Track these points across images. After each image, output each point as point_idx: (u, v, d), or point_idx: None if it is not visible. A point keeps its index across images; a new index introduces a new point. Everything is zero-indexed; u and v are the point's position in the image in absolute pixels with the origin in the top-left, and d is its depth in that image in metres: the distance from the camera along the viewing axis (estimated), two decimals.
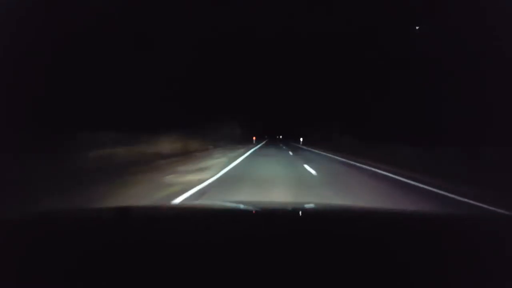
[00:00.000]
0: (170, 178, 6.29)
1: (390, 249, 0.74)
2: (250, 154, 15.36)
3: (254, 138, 31.33)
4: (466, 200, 4.62)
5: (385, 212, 1.39)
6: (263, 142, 37.66)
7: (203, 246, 0.72)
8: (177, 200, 4.17)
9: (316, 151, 19.78)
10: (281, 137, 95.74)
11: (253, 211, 1.27)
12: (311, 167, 8.86)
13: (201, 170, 7.85)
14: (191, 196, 4.51)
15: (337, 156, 14.61)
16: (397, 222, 1.08)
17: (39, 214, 1.11)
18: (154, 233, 0.85)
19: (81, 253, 0.66)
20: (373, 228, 0.97)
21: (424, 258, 0.68)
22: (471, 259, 0.68)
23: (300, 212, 1.31)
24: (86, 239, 0.77)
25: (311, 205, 1.77)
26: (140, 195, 4.54)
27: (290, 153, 16.97)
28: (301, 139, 30.43)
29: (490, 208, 4.08)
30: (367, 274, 0.58)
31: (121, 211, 1.15)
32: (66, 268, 0.58)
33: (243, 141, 27.71)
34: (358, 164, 10.34)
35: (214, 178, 6.36)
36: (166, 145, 13.15)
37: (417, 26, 13.93)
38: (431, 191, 5.40)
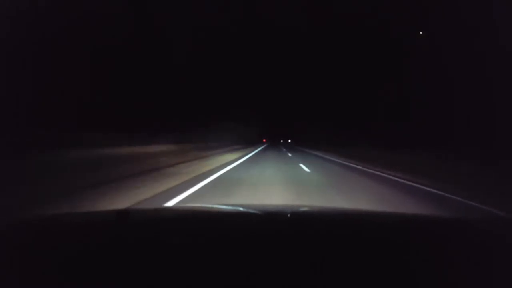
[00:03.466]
0: None
1: (390, 253, 0.73)
2: None
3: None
4: None
5: (385, 215, 1.38)
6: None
7: (199, 248, 0.72)
8: None
9: None
10: (289, 141, 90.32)
11: (252, 214, 1.26)
12: None
13: None
14: None
15: None
16: (397, 225, 1.07)
17: (34, 218, 1.11)
18: (151, 235, 0.85)
19: (80, 255, 0.66)
20: (374, 231, 0.96)
21: (426, 262, 0.67)
22: (473, 263, 0.66)
23: (299, 215, 1.30)
24: (85, 241, 0.77)
25: (309, 208, 1.76)
26: None
27: None
28: None
29: None
30: (366, 278, 0.57)
31: (120, 214, 1.15)
32: (65, 270, 0.58)
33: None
34: None
35: None
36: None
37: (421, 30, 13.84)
38: None
